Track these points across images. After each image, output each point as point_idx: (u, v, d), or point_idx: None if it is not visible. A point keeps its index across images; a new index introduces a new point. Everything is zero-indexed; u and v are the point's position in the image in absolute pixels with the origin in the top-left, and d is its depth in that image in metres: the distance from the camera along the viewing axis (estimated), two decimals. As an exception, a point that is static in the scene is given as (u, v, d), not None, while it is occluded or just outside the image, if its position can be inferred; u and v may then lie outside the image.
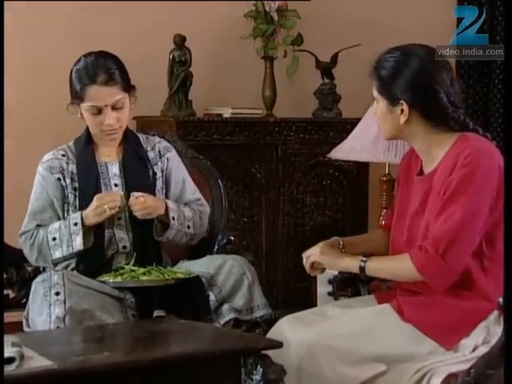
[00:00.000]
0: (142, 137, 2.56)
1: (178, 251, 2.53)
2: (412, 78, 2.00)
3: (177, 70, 3.45)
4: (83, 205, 2.38)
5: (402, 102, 2.01)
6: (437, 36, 3.91)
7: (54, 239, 2.36)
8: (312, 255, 2.11)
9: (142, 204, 2.33)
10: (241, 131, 3.47)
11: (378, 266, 2.02)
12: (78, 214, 2.35)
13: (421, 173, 2.11)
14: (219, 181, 2.72)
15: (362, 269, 2.01)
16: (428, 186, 2.04)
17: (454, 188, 1.93)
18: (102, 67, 2.37)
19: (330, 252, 2.10)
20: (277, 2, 3.57)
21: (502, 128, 4.19)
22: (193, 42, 3.46)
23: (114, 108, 2.37)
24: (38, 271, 2.48)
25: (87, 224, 2.34)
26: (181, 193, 2.51)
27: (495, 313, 1.93)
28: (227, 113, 3.49)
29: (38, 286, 2.24)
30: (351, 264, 2.05)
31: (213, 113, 3.56)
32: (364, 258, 2.02)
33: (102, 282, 2.28)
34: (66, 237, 2.34)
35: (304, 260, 2.14)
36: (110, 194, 2.37)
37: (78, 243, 2.33)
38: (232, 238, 2.59)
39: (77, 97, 2.39)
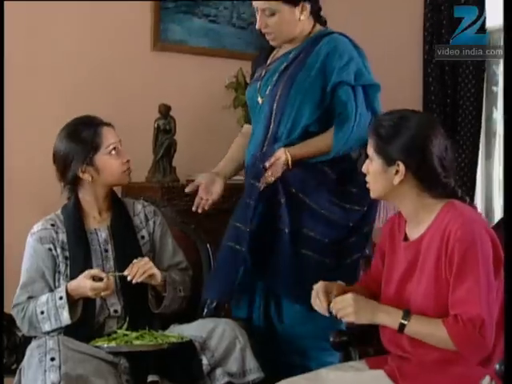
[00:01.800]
0: (128, 201, 2.58)
1: (169, 314, 2.50)
2: (411, 141, 2.00)
3: (161, 138, 3.47)
4: (74, 273, 2.37)
5: (398, 162, 2.01)
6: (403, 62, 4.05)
7: (42, 313, 2.34)
8: (348, 315, 1.97)
9: (146, 265, 2.33)
10: (223, 196, 3.47)
11: (418, 330, 1.93)
12: (63, 288, 2.33)
13: (405, 238, 2.10)
14: (208, 246, 2.73)
15: (403, 327, 1.93)
16: (415, 252, 2.03)
17: (461, 262, 1.91)
18: (92, 116, 2.47)
19: (364, 306, 1.98)
20: (256, 74, 3.64)
21: (470, 128, 4.26)
22: (177, 111, 3.50)
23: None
24: (29, 337, 2.44)
25: (75, 296, 2.32)
26: (166, 256, 2.53)
27: (487, 379, 1.92)
28: (210, 179, 3.49)
29: (33, 352, 2.21)
30: (389, 320, 1.96)
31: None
32: (404, 322, 1.93)
33: (97, 346, 2.25)
34: (53, 311, 2.33)
35: (333, 310, 2.01)
36: (107, 284, 2.30)
37: (65, 318, 2.31)
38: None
39: (90, 150, 2.39)
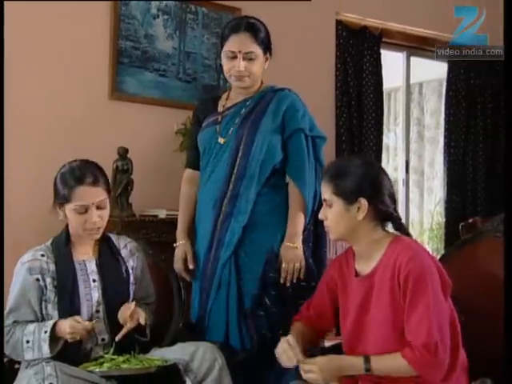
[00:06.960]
0: (113, 236, 2.44)
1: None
2: (366, 176, 1.96)
3: (120, 177, 3.36)
4: (62, 302, 2.21)
5: (359, 199, 1.94)
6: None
7: (28, 342, 2.16)
8: (317, 379, 1.89)
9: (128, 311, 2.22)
10: (175, 229, 3.38)
11: (380, 367, 1.88)
12: (50, 323, 2.16)
13: (356, 273, 2.02)
14: (177, 276, 2.63)
15: (368, 370, 1.88)
16: (369, 285, 1.96)
17: (413, 291, 1.86)
18: (88, 170, 2.27)
19: (328, 369, 1.89)
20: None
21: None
22: (132, 154, 3.39)
23: (98, 207, 2.25)
24: (13, 362, 2.25)
25: (58, 333, 2.15)
26: (142, 288, 2.42)
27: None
28: (163, 214, 3.40)
29: (30, 380, 2.02)
30: (354, 370, 1.90)
31: (148, 214, 3.46)
32: (366, 366, 1.87)
33: (89, 371, 2.10)
34: (37, 342, 2.15)
35: (304, 374, 1.91)
36: (83, 324, 2.14)
37: (45, 351, 2.14)
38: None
39: (63, 198, 2.24)
